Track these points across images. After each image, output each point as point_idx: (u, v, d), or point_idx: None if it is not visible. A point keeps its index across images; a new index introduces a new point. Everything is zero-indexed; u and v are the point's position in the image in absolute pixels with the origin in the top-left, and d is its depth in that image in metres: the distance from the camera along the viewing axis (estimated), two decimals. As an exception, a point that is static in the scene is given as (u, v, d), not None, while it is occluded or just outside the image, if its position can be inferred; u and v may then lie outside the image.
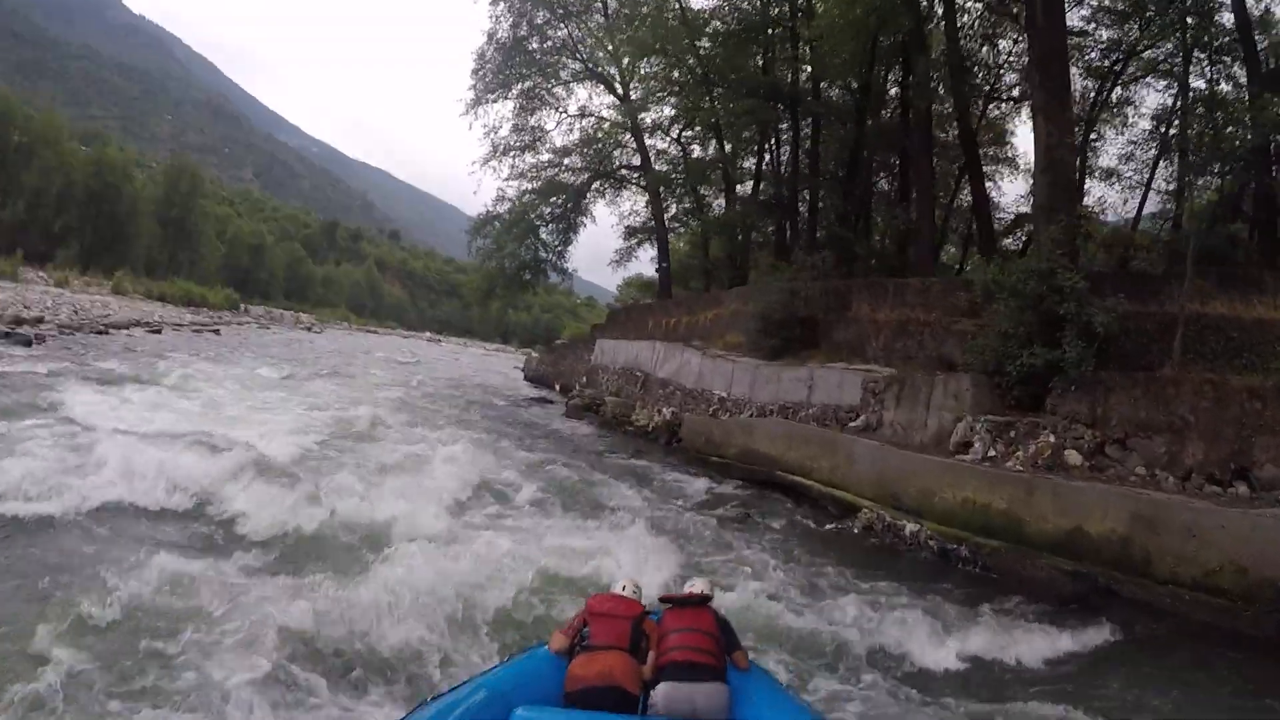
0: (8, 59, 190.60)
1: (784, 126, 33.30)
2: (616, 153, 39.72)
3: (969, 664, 7.22)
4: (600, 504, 12.08)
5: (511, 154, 39.72)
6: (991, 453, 12.95)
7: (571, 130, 39.77)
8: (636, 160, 38.58)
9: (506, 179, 42.68)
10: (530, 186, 39.32)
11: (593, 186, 39.92)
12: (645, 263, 45.62)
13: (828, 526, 12.89)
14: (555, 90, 39.53)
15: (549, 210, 39.59)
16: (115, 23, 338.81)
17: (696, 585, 5.29)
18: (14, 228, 63.19)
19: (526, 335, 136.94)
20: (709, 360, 21.25)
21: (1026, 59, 20.88)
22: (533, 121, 39.95)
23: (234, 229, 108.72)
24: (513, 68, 38.03)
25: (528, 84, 38.78)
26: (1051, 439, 12.52)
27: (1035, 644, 7.74)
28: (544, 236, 40.52)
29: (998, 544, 11.13)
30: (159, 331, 35.18)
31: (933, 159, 24.14)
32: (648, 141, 37.46)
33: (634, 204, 41.13)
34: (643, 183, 38.65)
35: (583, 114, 39.72)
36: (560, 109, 39.87)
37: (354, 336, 77.17)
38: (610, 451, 18.60)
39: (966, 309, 16.65)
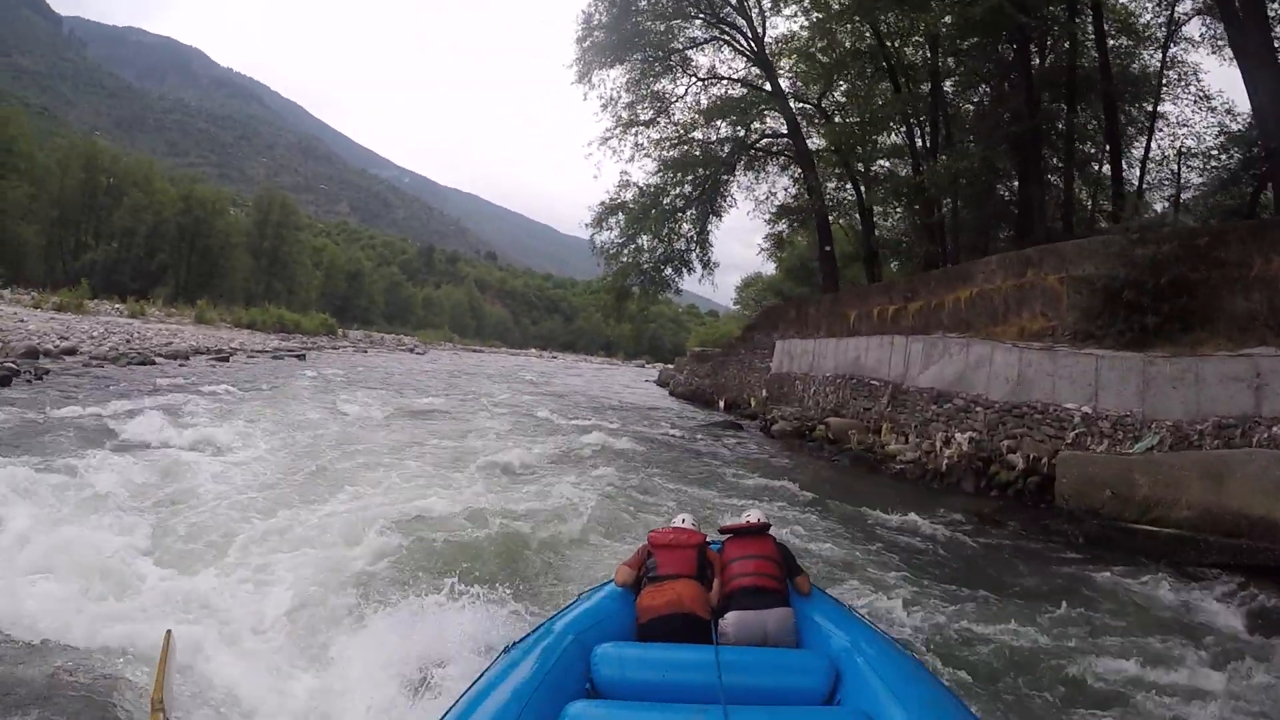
0: (107, 117, 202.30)
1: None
2: (758, 123, 32.73)
3: None
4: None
5: (635, 129, 32.92)
6: None
7: (700, 99, 33.24)
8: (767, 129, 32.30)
9: (630, 159, 36.37)
10: (668, 155, 32.49)
11: (738, 162, 32.85)
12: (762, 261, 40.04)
13: None
14: (673, 57, 32.82)
15: (690, 190, 32.52)
16: (205, 77, 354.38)
17: (753, 514, 5.22)
18: (106, 267, 64.03)
19: (631, 347, 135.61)
20: (1038, 356, 13.38)
21: None
22: (656, 88, 33.19)
23: (330, 257, 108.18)
24: (623, 32, 31.31)
25: (640, 54, 32.27)
26: None
27: None
28: (683, 224, 33.56)
29: None
30: (227, 359, 29.98)
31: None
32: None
33: (771, 185, 34.51)
34: (791, 152, 31.95)
35: (712, 76, 33.07)
36: (689, 73, 32.96)
37: (460, 356, 71.37)
38: (936, 525, 10.58)
39: None
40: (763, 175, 34.32)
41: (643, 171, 40.64)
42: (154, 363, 24.42)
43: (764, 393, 25.42)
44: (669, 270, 33.45)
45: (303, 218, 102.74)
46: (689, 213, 33.26)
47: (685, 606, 4.23)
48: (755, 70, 32.01)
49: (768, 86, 30.96)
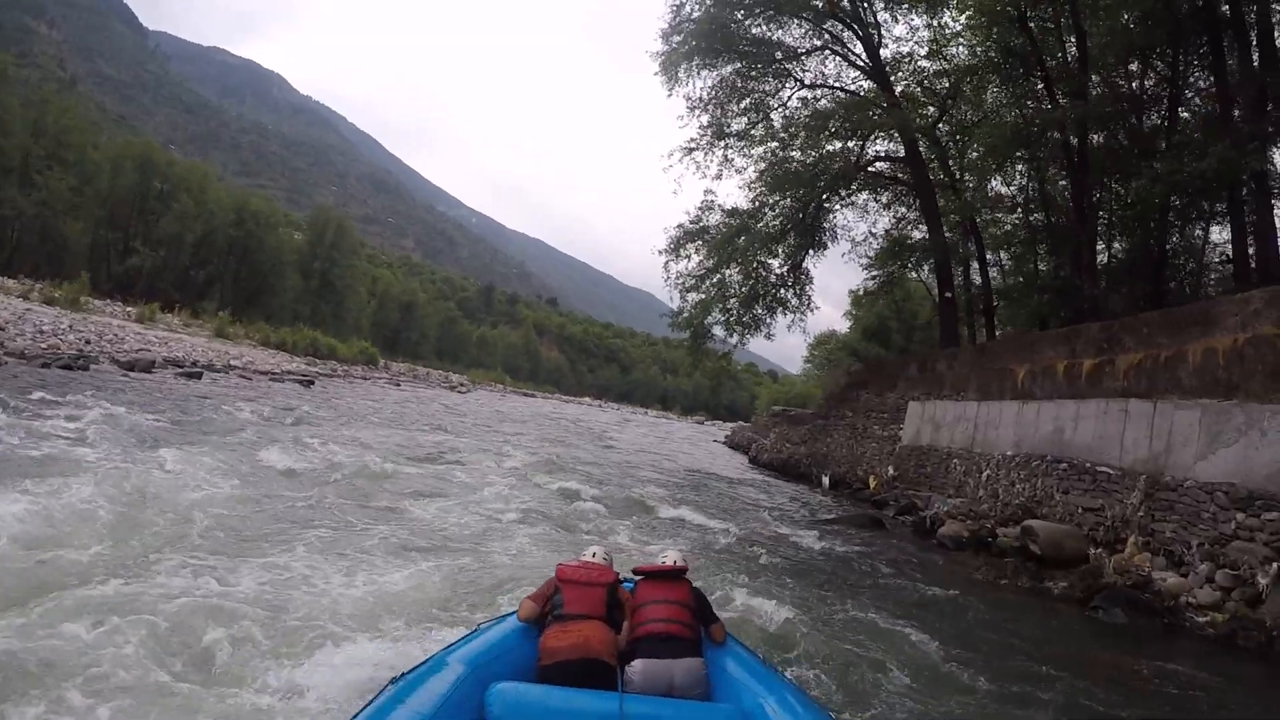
0: (184, 130, 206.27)
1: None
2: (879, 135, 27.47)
3: None
4: None
5: (724, 141, 27.82)
6: None
7: (801, 114, 28.08)
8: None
9: (716, 176, 31.26)
10: (770, 160, 27.55)
11: (852, 181, 27.47)
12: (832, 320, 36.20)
13: None
14: (772, 66, 27.96)
15: (790, 207, 27.09)
16: (283, 102, 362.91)
17: (670, 556, 4.82)
18: (151, 274, 60.42)
19: (688, 402, 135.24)
20: None
21: None
22: (756, 89, 28.23)
23: (384, 286, 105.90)
24: (715, 30, 26.57)
25: (732, 66, 27.76)
26: None
27: None
28: (777, 254, 28.16)
29: None
30: (199, 376, 25.24)
31: None
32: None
33: (872, 225, 30.11)
34: (906, 179, 27.31)
35: (818, 85, 28.17)
36: (794, 78, 28.06)
37: (508, 400, 66.41)
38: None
39: None
40: (865, 213, 29.63)
41: (732, 186, 35.69)
42: (87, 369, 20.29)
43: (891, 470, 19.45)
44: (759, 309, 27.76)
45: (359, 242, 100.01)
46: (785, 242, 27.72)
47: (592, 651, 3.91)
48: (866, 84, 27.18)
49: (883, 104, 25.75)
